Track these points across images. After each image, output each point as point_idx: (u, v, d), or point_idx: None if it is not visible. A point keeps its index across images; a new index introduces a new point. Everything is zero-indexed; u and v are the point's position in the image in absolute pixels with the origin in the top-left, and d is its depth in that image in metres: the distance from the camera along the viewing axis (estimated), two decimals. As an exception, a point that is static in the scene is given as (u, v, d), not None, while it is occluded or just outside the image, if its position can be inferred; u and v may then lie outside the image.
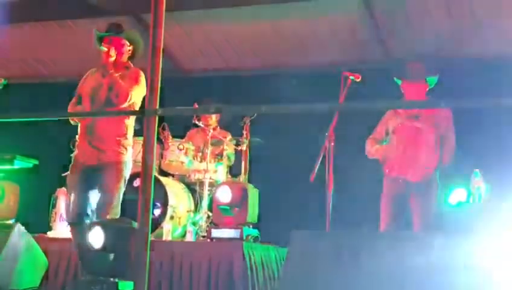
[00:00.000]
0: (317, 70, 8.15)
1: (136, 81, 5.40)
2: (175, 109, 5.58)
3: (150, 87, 3.81)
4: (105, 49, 5.36)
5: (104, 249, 3.97)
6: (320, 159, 5.17)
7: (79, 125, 5.51)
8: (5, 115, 4.19)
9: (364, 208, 6.44)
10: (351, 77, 5.53)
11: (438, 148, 5.77)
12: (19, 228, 4.30)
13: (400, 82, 5.96)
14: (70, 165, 5.55)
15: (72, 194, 5.34)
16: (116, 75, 5.35)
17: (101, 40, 5.51)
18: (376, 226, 5.85)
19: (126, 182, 5.44)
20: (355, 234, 3.82)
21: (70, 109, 5.52)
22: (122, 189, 5.36)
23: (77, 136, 5.53)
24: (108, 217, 4.99)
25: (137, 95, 5.37)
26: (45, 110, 4.72)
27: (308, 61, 8.35)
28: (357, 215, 6.47)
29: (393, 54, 7.83)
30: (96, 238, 4.02)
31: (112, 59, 5.41)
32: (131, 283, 3.72)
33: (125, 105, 5.25)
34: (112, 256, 4.10)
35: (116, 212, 5.17)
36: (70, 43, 9.37)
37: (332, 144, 5.23)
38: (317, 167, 5.13)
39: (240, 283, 5.59)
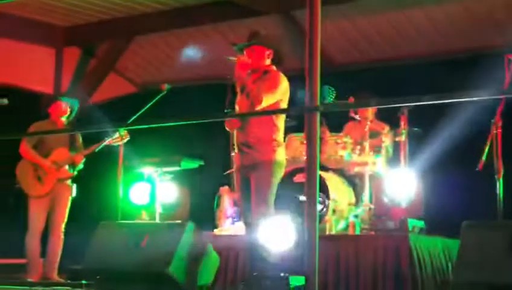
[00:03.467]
0: (475, 54, 7.89)
1: (273, 83, 5.42)
2: (336, 104, 5.60)
3: (310, 84, 3.83)
4: (242, 56, 5.45)
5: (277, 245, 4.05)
6: (488, 146, 5.01)
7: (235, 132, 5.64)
8: (170, 118, 4.36)
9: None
10: (516, 60, 5.31)
11: None
12: (192, 227, 4.48)
13: None
14: (233, 166, 5.70)
15: (238, 194, 5.50)
16: (251, 81, 5.42)
17: (241, 50, 5.61)
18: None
19: (279, 180, 5.49)
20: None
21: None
22: (275, 187, 5.42)
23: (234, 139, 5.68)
24: (262, 215, 5.06)
25: (276, 96, 5.39)
26: (206, 112, 4.87)
27: (464, 45, 8.12)
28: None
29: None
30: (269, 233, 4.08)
31: (248, 67, 5.50)
32: (303, 277, 3.78)
33: (260, 108, 5.32)
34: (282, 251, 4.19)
35: (270, 210, 5.24)
36: (223, 44, 9.63)
37: (500, 130, 5.05)
38: (485, 154, 4.97)
39: (407, 275, 5.52)
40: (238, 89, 5.60)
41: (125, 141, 6.56)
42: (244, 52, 5.53)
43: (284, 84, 5.42)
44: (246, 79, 5.43)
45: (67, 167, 6.85)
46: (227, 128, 5.59)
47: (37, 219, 6.71)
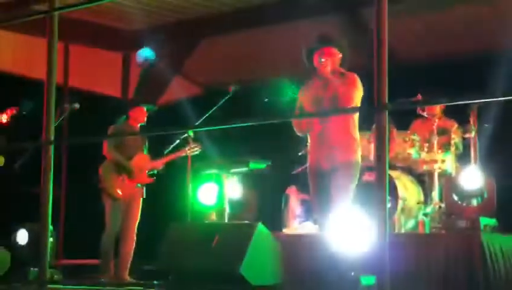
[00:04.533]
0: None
1: (355, 85, 5.46)
2: (405, 102, 5.55)
3: (378, 81, 3.79)
4: (323, 60, 5.45)
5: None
6: None
7: (309, 134, 5.63)
8: (239, 120, 4.39)
9: None
10: None
11: None
12: (261, 227, 4.50)
13: None
14: (307, 171, 5.64)
15: (313, 196, 5.49)
16: (336, 83, 5.42)
17: (312, 52, 5.61)
18: None
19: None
20: None
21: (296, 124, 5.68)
22: (354, 188, 5.41)
23: (308, 144, 5.67)
24: (341, 216, 5.05)
25: (358, 98, 5.43)
26: (274, 113, 4.88)
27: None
28: None
29: None
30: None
31: (328, 69, 5.50)
32: (373, 277, 3.75)
33: None
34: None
35: (348, 211, 5.23)
36: (287, 44, 9.63)
37: None
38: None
39: (480, 275, 5.42)
40: (313, 91, 5.59)
41: (199, 150, 6.63)
42: (317, 55, 5.51)
43: (361, 85, 5.45)
44: (329, 80, 5.45)
45: (147, 171, 6.97)
46: (297, 131, 5.56)
47: (115, 219, 6.83)
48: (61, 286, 4.69)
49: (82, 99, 7.15)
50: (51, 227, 4.57)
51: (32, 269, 4.99)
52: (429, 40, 8.88)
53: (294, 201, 7.50)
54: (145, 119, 7.05)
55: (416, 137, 6.99)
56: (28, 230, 5.01)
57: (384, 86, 3.77)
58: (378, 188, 3.71)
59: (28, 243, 5.03)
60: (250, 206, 8.12)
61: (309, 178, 5.59)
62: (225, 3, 8.90)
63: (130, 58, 10.41)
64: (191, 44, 10.01)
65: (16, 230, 5.07)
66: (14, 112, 7.15)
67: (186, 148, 6.54)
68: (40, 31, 6.40)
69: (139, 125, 7.03)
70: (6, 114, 7.12)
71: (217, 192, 7.39)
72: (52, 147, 4.53)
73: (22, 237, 5.05)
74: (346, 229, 4.06)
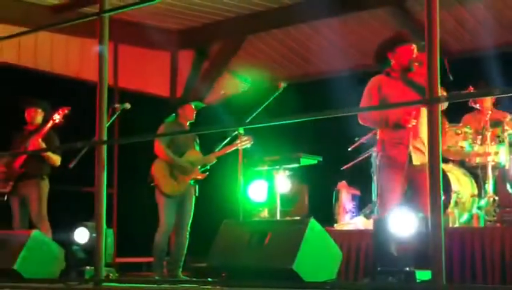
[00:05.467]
0: None
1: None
2: (457, 95, 5.47)
3: (429, 74, 3.76)
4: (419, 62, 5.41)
5: (415, 238, 4.00)
6: None
7: (393, 128, 5.52)
8: (290, 116, 4.39)
9: None
10: None
11: None
12: (313, 223, 4.49)
13: None
14: (381, 164, 5.55)
15: (389, 191, 5.41)
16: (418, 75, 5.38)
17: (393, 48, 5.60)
18: None
19: None
20: None
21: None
22: None
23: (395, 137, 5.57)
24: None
25: None
26: (327, 108, 4.85)
27: None
28: None
29: None
30: (405, 226, 4.03)
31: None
32: (429, 272, 3.71)
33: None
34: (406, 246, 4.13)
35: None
36: (334, 40, 9.60)
37: None
38: None
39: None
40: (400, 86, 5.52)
41: (250, 144, 6.63)
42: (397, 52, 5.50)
43: None
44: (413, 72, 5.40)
45: (199, 167, 7.01)
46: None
47: (169, 217, 6.88)
48: (116, 285, 4.74)
49: (131, 99, 7.22)
50: (106, 227, 4.64)
51: (88, 267, 5.06)
52: (480, 32, 8.75)
53: (345, 196, 7.48)
54: (194, 116, 7.09)
55: (468, 130, 6.91)
56: (86, 229, 5.08)
57: (436, 78, 3.73)
58: (431, 181, 3.68)
59: (85, 242, 5.10)
60: (301, 202, 8.12)
61: (388, 171, 5.45)
62: (272, 0, 8.90)
63: (179, 57, 10.49)
64: (238, 41, 10.04)
65: (73, 229, 5.14)
66: (66, 111, 7.27)
67: (237, 142, 6.56)
68: (90, 33, 6.51)
69: (188, 122, 7.08)
70: (59, 114, 7.24)
71: (267, 189, 7.40)
72: (104, 147, 4.60)
73: (80, 235, 5.12)
74: (402, 224, 4.02)
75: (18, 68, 9.06)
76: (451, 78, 5.00)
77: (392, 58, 5.52)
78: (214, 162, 6.99)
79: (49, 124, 7.22)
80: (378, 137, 5.58)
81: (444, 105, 5.33)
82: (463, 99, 6.23)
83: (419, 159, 5.26)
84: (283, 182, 7.17)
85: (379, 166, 5.51)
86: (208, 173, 7.02)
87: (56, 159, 7.25)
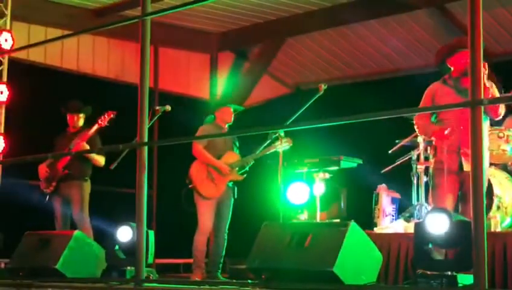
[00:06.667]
0: None
1: (486, 92, 5.37)
2: (500, 97, 5.43)
3: (472, 77, 3.73)
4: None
5: (446, 239, 3.97)
6: None
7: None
8: (330, 119, 4.38)
9: None
10: None
11: None
12: (354, 226, 4.48)
13: None
14: (434, 168, 5.60)
15: (440, 197, 5.47)
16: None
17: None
18: None
19: None
20: None
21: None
22: None
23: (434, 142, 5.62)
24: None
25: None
26: (368, 110, 4.84)
27: None
28: None
29: None
30: (438, 226, 4.02)
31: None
32: (471, 276, 3.68)
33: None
34: (447, 249, 4.09)
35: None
36: (373, 41, 9.56)
37: None
38: None
39: None
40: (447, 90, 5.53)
41: (289, 145, 6.63)
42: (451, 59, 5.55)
43: None
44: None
45: (237, 169, 7.02)
46: (437, 137, 5.49)
47: (208, 219, 6.90)
48: (157, 285, 4.77)
49: (171, 101, 7.27)
50: (147, 229, 4.67)
51: (129, 268, 5.10)
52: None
53: (385, 199, 7.43)
54: (232, 119, 7.10)
55: (511, 133, 6.82)
56: (129, 227, 5.12)
57: (479, 81, 3.70)
58: (474, 184, 3.65)
59: (127, 241, 5.14)
60: (341, 205, 8.09)
61: (437, 174, 5.53)
62: (312, 2, 8.90)
63: (218, 59, 10.53)
64: (277, 44, 10.05)
65: (117, 228, 5.19)
66: (112, 115, 7.33)
67: (277, 144, 6.56)
68: (131, 35, 6.58)
69: (226, 125, 7.10)
70: (105, 118, 7.31)
71: (307, 191, 7.39)
72: (145, 149, 4.64)
73: (122, 234, 5.17)
74: (442, 227, 3.99)
75: (61, 71, 9.20)
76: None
77: (450, 63, 5.59)
78: (252, 163, 7.00)
79: (95, 127, 7.30)
80: (433, 142, 5.68)
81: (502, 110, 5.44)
82: (506, 102, 6.15)
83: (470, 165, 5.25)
84: (323, 184, 7.16)
85: (432, 170, 5.63)
86: (246, 175, 7.03)
87: (101, 160, 7.33)
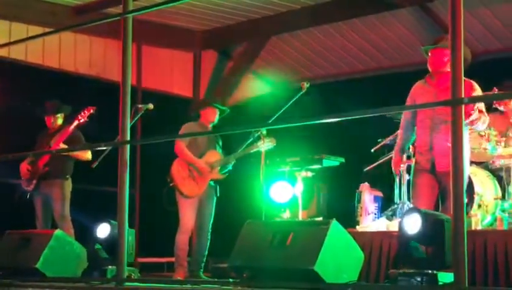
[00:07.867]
0: None
1: (468, 93, 5.38)
2: (481, 96, 5.45)
3: (453, 75, 3.73)
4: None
5: (420, 237, 3.99)
6: None
7: (416, 136, 5.68)
8: (313, 117, 4.38)
9: None
10: None
11: None
12: (335, 225, 4.48)
13: None
14: (414, 169, 5.71)
15: (417, 197, 5.54)
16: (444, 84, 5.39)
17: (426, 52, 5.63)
18: None
19: None
20: None
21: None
22: None
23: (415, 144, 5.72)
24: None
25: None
26: (350, 109, 4.84)
27: None
28: None
29: None
30: (412, 225, 4.05)
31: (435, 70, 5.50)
32: (451, 274, 3.69)
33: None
34: (427, 247, 4.11)
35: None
36: (357, 40, 9.57)
37: None
38: None
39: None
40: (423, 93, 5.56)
41: (273, 145, 6.63)
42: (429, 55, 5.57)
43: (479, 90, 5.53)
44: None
45: (218, 168, 7.01)
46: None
47: (189, 217, 6.89)
48: (139, 284, 4.75)
49: (154, 99, 7.25)
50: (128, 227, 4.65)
51: (110, 267, 5.08)
52: (504, 33, 8.70)
53: (367, 198, 7.45)
54: (216, 118, 7.09)
55: (492, 131, 6.84)
56: (108, 225, 5.10)
57: (460, 80, 3.70)
58: (454, 183, 3.66)
59: (105, 237, 5.12)
60: (323, 204, 8.10)
61: (415, 178, 5.66)
62: (296, 1, 8.89)
63: (202, 58, 10.51)
64: (261, 42, 10.04)
65: (96, 228, 5.16)
66: (92, 111, 7.30)
67: (260, 143, 6.56)
68: (113, 33, 6.54)
69: (210, 124, 7.08)
70: (84, 114, 7.28)
71: (289, 190, 7.39)
72: (127, 147, 4.61)
73: (102, 231, 5.14)
74: (423, 226, 4.01)
75: (42, 68, 9.14)
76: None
77: (428, 63, 5.64)
78: (234, 162, 7.00)
79: (74, 124, 7.27)
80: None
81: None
82: (487, 100, 6.18)
83: (444, 165, 5.28)
84: (305, 183, 7.17)
85: (413, 170, 5.75)
86: (227, 174, 7.02)
87: (86, 155, 7.29)
